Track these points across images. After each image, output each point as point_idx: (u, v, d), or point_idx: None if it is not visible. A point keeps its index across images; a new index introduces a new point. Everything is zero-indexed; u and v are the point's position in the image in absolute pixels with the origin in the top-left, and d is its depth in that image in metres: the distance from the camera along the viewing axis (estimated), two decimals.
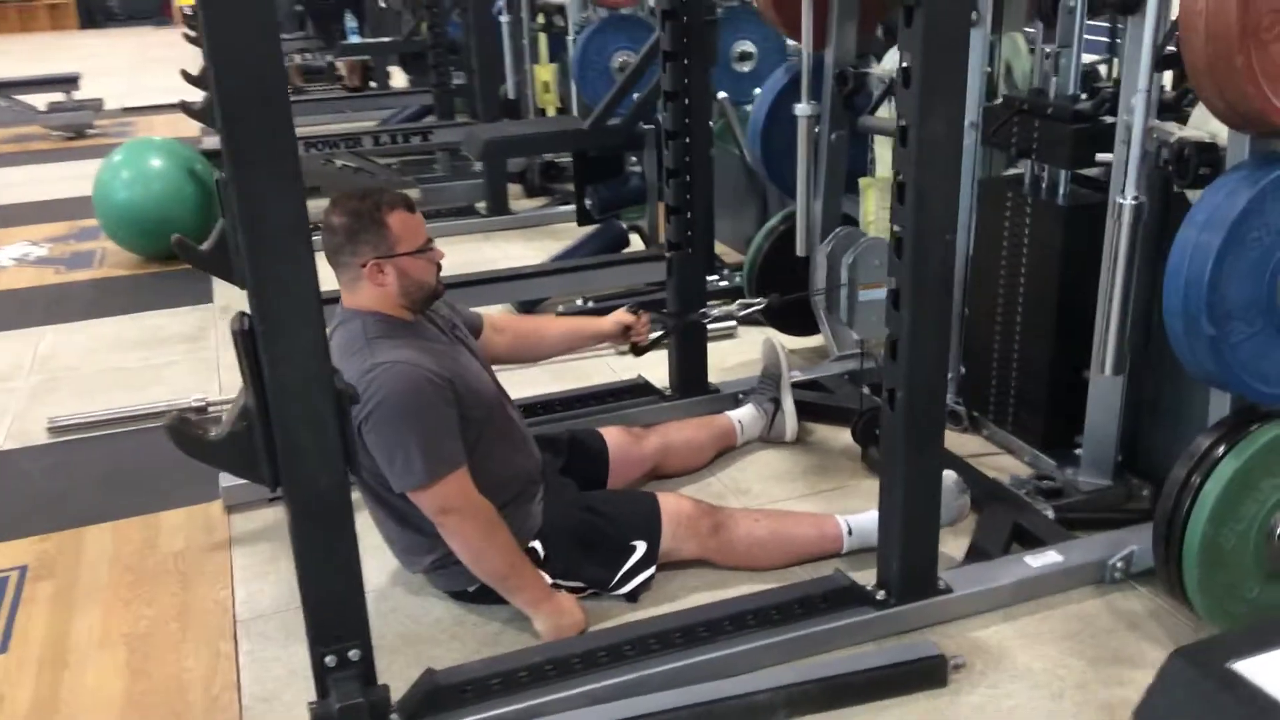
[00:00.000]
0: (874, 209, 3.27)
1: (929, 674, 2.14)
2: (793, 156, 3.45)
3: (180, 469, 3.08)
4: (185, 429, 1.73)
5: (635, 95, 4.19)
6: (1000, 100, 2.83)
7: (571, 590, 2.39)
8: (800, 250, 3.42)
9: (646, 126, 4.31)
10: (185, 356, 4.02)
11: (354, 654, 1.87)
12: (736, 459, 3.06)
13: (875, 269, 2.63)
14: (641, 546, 2.42)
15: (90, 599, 2.56)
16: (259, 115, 1.57)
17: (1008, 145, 2.73)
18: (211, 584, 2.60)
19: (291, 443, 1.72)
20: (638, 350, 2.83)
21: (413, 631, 2.38)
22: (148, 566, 2.68)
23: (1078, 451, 2.76)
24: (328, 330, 2.35)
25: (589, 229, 4.50)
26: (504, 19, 5.92)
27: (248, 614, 2.47)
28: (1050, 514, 2.62)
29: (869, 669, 2.11)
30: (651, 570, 2.42)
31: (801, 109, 3.23)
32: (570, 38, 5.20)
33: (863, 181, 3.28)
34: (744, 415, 3.09)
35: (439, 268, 2.41)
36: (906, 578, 2.26)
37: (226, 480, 2.90)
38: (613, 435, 2.82)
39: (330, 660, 1.86)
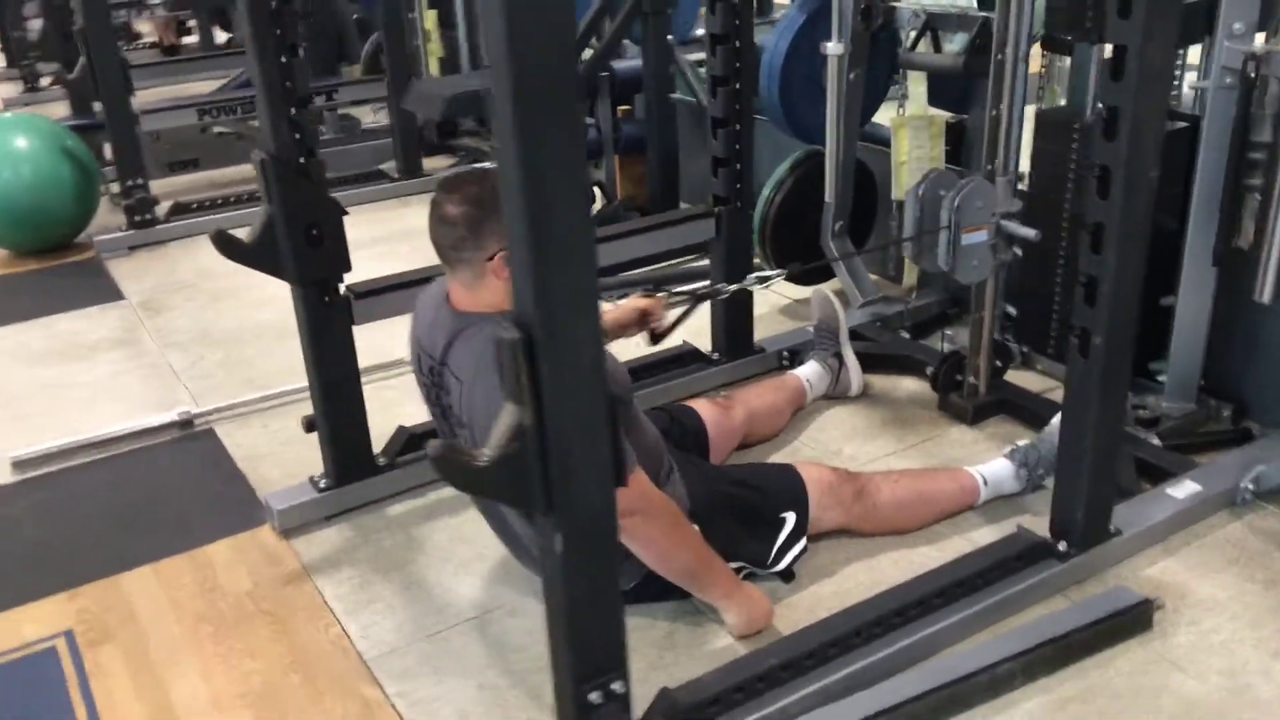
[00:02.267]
0: (907, 149, 3.19)
1: (1140, 619, 2.11)
2: (811, 100, 3.33)
3: (189, 495, 2.76)
4: (454, 458, 1.47)
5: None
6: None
7: None
8: (830, 196, 3.32)
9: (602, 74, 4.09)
10: (129, 365, 3.55)
11: (618, 686, 1.66)
12: (811, 419, 2.95)
13: (978, 211, 2.56)
14: (791, 518, 2.28)
15: (173, 659, 2.21)
16: (552, 105, 1.32)
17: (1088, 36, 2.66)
18: (312, 623, 2.29)
19: (567, 459, 1.49)
20: (656, 337, 2.56)
21: None
22: (222, 611, 2.33)
23: (1161, 379, 2.79)
24: (434, 340, 2.10)
25: None
26: None
27: (375, 651, 2.19)
28: (1157, 442, 2.64)
29: (1091, 622, 2.06)
30: (804, 543, 2.29)
31: (833, 48, 3.10)
32: None
33: (893, 120, 3.19)
34: (810, 373, 2.98)
35: None
36: (1087, 525, 2.21)
37: (279, 503, 2.57)
38: (704, 409, 2.65)
39: (595, 697, 1.64)
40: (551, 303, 1.40)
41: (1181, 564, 2.32)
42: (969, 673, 1.95)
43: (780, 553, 2.25)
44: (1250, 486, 2.46)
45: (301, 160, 2.31)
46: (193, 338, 3.71)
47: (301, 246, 2.36)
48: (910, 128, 3.15)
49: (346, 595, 2.36)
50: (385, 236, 4.49)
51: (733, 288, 2.77)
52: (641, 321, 2.52)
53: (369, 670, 2.14)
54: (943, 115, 3.18)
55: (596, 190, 4.29)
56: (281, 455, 2.93)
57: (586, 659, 1.63)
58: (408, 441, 2.68)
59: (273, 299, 3.98)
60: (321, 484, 2.61)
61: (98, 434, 3.01)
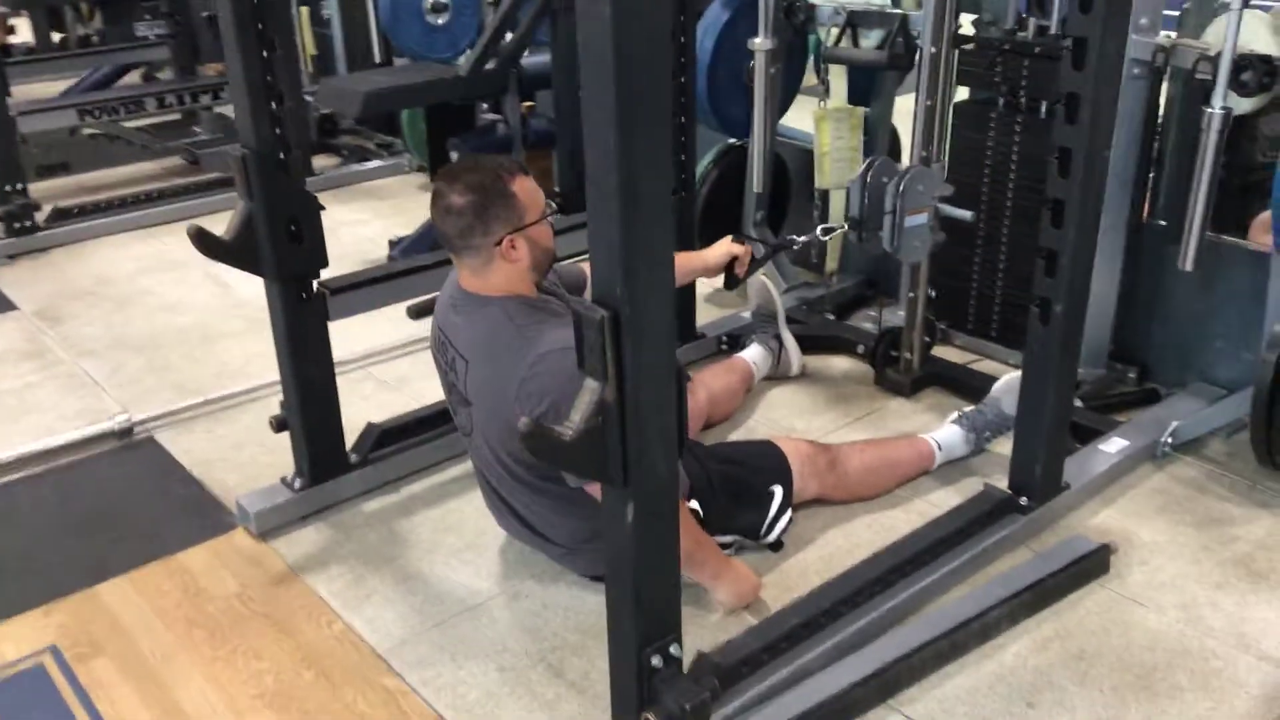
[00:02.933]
0: (829, 140, 3.36)
1: (1100, 563, 2.32)
2: (735, 95, 3.47)
3: (148, 504, 2.73)
4: (543, 433, 1.53)
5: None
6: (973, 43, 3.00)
7: (721, 546, 2.33)
8: (757, 186, 3.46)
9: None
10: (41, 376, 3.39)
11: (675, 649, 1.75)
12: (759, 400, 3.09)
13: (920, 194, 2.73)
14: (779, 491, 2.40)
15: (172, 666, 2.16)
16: (650, 82, 1.40)
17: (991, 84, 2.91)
18: (312, 620, 2.28)
19: (642, 433, 1.57)
20: (733, 283, 2.71)
21: (594, 624, 2.23)
22: (213, 616, 2.30)
23: None
24: (449, 320, 2.14)
25: None
26: None
27: (386, 643, 2.20)
28: (1079, 404, 2.88)
29: (1060, 569, 2.26)
30: (790, 514, 2.42)
31: (761, 43, 3.24)
32: None
33: (815, 113, 3.36)
34: (755, 355, 3.11)
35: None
36: (1045, 481, 2.42)
37: (255, 504, 2.54)
38: None
39: (656, 661, 1.72)
40: (637, 282, 1.48)
41: (1120, 512, 2.56)
42: (964, 620, 2.11)
43: (771, 524, 2.37)
44: (1169, 440, 2.72)
45: (282, 156, 2.30)
46: (106, 345, 3.58)
47: (282, 242, 2.34)
48: (832, 120, 3.32)
49: (342, 591, 2.36)
50: None
51: (803, 239, 2.80)
52: (729, 266, 2.63)
53: (384, 661, 2.16)
54: (861, 108, 3.36)
55: None
56: (235, 459, 2.88)
57: (650, 624, 1.71)
58: (380, 437, 2.68)
59: (181, 303, 3.89)
60: (296, 484, 2.58)
61: (33, 447, 2.89)
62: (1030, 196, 3.03)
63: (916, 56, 3.05)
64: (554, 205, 2.20)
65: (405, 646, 2.19)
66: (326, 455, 2.60)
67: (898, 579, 2.19)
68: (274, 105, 2.26)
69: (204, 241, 2.31)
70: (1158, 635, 2.17)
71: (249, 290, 3.89)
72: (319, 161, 5.30)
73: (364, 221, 4.69)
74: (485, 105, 4.50)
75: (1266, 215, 2.93)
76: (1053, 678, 2.06)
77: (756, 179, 3.42)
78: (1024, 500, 2.41)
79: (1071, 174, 2.14)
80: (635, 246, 1.46)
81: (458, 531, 2.54)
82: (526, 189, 2.12)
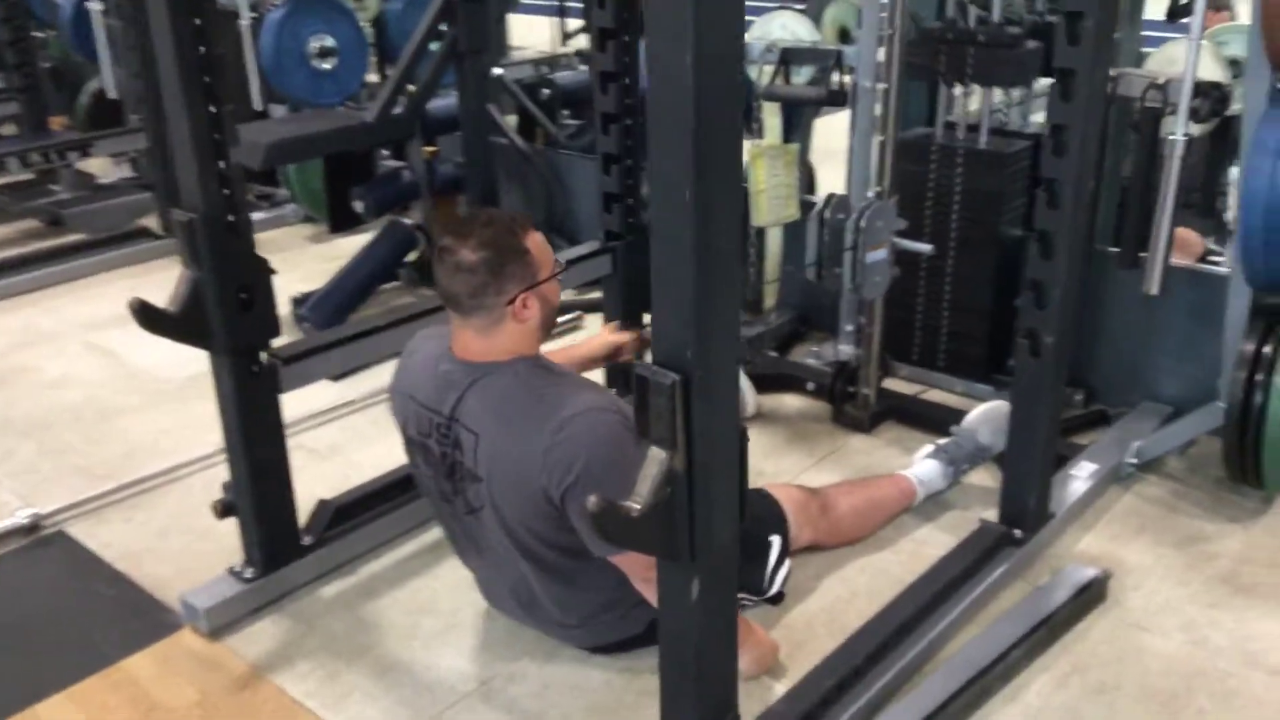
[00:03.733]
0: (764, 177, 3.32)
1: (1099, 592, 2.31)
2: None
3: (73, 608, 2.47)
4: (613, 511, 1.40)
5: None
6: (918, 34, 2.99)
7: None
8: None
9: None
10: None
11: None
12: None
13: (879, 230, 2.71)
14: (777, 541, 2.31)
15: None
16: (726, 137, 1.30)
17: (936, 74, 2.91)
18: None
19: (711, 502, 1.46)
20: (619, 370, 2.56)
21: (604, 701, 2.09)
22: None
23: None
24: (442, 396, 1.98)
25: (367, 236, 4.07)
26: (95, 5, 5.03)
27: None
28: None
29: (1066, 601, 2.24)
30: (789, 565, 2.32)
31: None
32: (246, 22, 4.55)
33: (750, 151, 3.31)
34: None
35: None
36: (1037, 510, 2.40)
37: (203, 601, 2.30)
38: None
39: None
40: (710, 344, 1.37)
41: (1101, 537, 2.56)
42: (987, 665, 2.06)
43: (771, 577, 2.28)
44: (1133, 460, 2.76)
45: (230, 218, 2.10)
46: None
47: (232, 312, 2.14)
48: (767, 157, 3.28)
49: (317, 690, 2.15)
50: None
51: None
52: (614, 356, 2.49)
53: None
54: (794, 145, 3.34)
55: (420, 235, 4.14)
56: (163, 550, 2.62)
57: (712, 703, 1.60)
58: (334, 515, 2.48)
59: (66, 378, 3.57)
60: (247, 574, 2.36)
61: None
62: (974, 229, 3.05)
63: (851, 93, 3.07)
64: (562, 262, 2.07)
65: None
66: (279, 539, 2.38)
67: (915, 626, 2.13)
68: (222, 164, 2.06)
69: (146, 315, 2.08)
70: (1170, 660, 2.16)
71: (140, 359, 3.62)
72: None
73: None
74: (385, 152, 4.32)
75: (1182, 232, 3.03)
76: (1081, 713, 2.03)
77: None
78: (1017, 532, 2.39)
79: (1060, 205, 2.13)
80: (709, 306, 1.35)
81: (432, 612, 2.36)
82: (538, 243, 2.00)
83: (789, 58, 3.16)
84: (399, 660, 2.22)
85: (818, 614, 2.32)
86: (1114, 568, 2.42)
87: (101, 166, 5.46)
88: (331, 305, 3.76)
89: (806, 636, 2.24)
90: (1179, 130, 2.39)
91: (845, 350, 3.33)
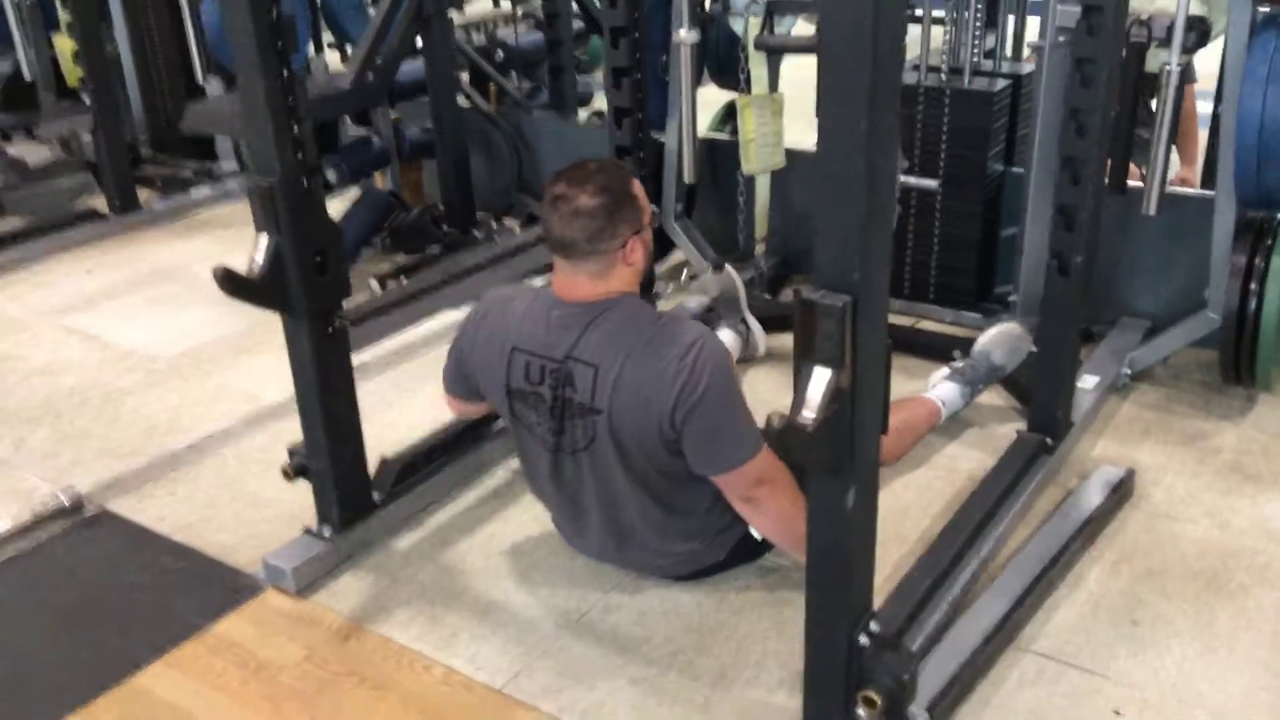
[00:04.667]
0: (754, 126, 3.43)
1: (1129, 489, 2.52)
2: (653, 90, 3.48)
3: (142, 581, 2.48)
4: (791, 430, 1.50)
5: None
6: None
7: None
8: (689, 178, 3.49)
9: None
10: None
11: (875, 625, 1.77)
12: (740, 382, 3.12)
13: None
14: None
15: None
16: (892, 66, 1.41)
17: None
18: (407, 670, 2.13)
19: (866, 416, 1.58)
20: None
21: (701, 622, 2.21)
22: (292, 686, 2.10)
23: (1011, 299, 3.25)
24: (553, 338, 2.06)
25: (336, 204, 4.04)
26: None
27: (500, 678, 2.09)
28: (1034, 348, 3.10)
29: (1106, 499, 2.44)
30: None
31: (685, 36, 3.26)
32: None
33: (740, 100, 3.42)
34: (729, 341, 3.15)
35: None
36: (1064, 420, 2.60)
37: (288, 561, 2.34)
38: None
39: (863, 639, 1.74)
40: (872, 266, 1.49)
41: (1112, 441, 2.78)
42: (1050, 560, 2.24)
43: None
44: (1128, 371, 2.98)
45: (305, 182, 2.12)
46: None
47: (310, 275, 2.16)
48: (755, 107, 3.39)
49: (424, 635, 2.21)
50: (143, 278, 4.05)
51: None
52: None
53: (509, 697, 2.05)
54: (781, 94, 3.45)
55: (394, 199, 4.14)
56: (217, 520, 2.62)
57: (858, 604, 1.73)
58: (400, 473, 2.53)
59: (53, 364, 3.50)
60: (325, 533, 2.40)
61: None
62: (961, 165, 3.22)
63: None
64: (656, 210, 2.17)
65: (522, 678, 2.09)
66: (353, 498, 2.42)
67: (984, 529, 2.29)
68: (296, 128, 2.08)
69: (230, 281, 2.10)
70: (1202, 544, 2.38)
71: (125, 340, 3.58)
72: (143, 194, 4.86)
73: (218, 255, 4.34)
74: (349, 119, 4.29)
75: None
76: (1140, 596, 2.23)
77: (688, 171, 3.44)
78: (1049, 441, 2.58)
79: (1087, 134, 2.30)
80: (873, 231, 1.46)
81: (512, 554, 2.44)
82: (641, 191, 2.10)
83: (775, 9, 3.27)
84: (494, 600, 2.30)
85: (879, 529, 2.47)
86: (1135, 467, 2.63)
87: (28, 150, 5.27)
88: None
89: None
90: (1173, 60, 2.58)
91: None
